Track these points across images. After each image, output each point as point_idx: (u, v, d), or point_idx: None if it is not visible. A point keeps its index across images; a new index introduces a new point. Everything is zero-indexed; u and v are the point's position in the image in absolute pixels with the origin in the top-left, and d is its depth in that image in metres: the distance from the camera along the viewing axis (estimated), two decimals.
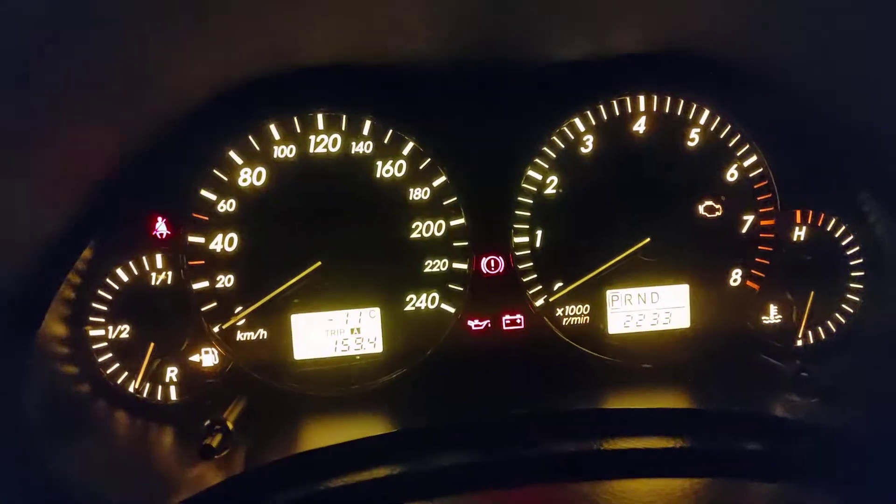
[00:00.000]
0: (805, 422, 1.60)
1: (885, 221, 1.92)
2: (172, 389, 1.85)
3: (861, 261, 1.95)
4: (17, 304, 1.54)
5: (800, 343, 1.96)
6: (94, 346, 1.81)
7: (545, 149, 1.88)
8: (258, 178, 1.81)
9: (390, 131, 1.83)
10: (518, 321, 1.95)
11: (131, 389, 1.83)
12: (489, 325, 1.94)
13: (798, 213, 1.94)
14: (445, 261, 1.90)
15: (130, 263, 1.82)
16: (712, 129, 1.88)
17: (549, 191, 1.90)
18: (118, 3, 1.19)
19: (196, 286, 1.81)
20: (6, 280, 1.50)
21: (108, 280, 1.81)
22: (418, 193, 1.87)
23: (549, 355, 1.94)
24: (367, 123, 1.83)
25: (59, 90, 1.33)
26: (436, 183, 1.87)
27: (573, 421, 1.68)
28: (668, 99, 1.87)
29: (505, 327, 1.95)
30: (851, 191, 1.95)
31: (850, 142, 1.86)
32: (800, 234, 1.95)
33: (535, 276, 1.92)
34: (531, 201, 1.90)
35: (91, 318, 1.80)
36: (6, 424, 1.48)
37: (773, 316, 1.97)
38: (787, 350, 1.94)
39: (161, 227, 1.82)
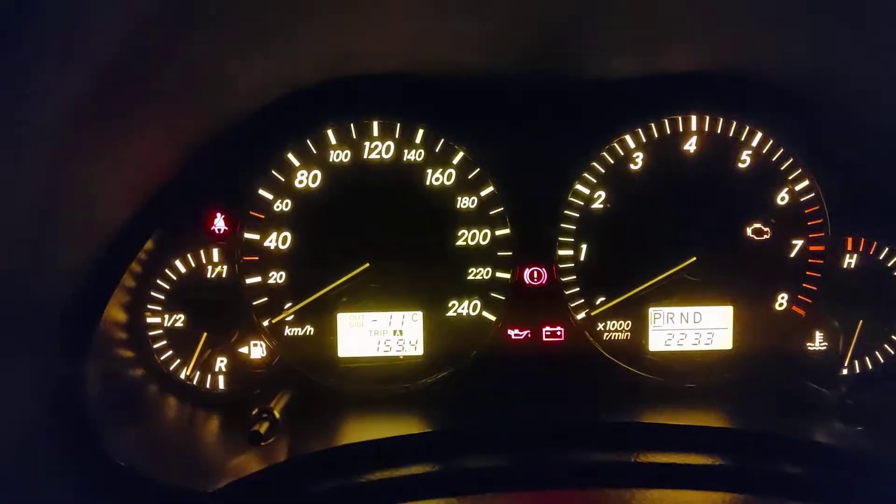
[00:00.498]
0: (847, 449, 1.58)
1: None
2: (221, 379, 1.93)
3: None
4: (83, 289, 1.63)
5: (845, 371, 1.93)
6: (151, 333, 1.89)
7: (594, 164, 1.90)
8: (313, 181, 1.88)
9: (442, 140, 1.88)
10: (558, 333, 1.97)
11: (182, 376, 1.91)
12: (529, 335, 1.97)
13: (849, 239, 1.92)
14: (489, 269, 1.93)
15: (188, 256, 1.90)
16: (764, 151, 1.87)
17: (597, 205, 1.92)
18: (190, 11, 1.26)
19: (249, 281, 1.88)
20: (76, 266, 1.59)
21: (166, 271, 1.89)
22: (466, 202, 1.91)
23: (588, 369, 1.95)
24: (420, 132, 1.88)
25: (137, 93, 1.40)
26: (483, 193, 1.90)
27: (608, 432, 1.69)
28: (721, 120, 1.86)
29: (545, 338, 1.97)
30: None
31: None
32: (850, 261, 1.92)
33: (577, 289, 1.94)
34: (577, 215, 1.92)
35: (149, 307, 1.89)
36: (70, 403, 1.56)
37: (818, 342, 1.94)
38: (831, 378, 1.91)
39: (219, 223, 1.90)
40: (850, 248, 1.92)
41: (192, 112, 1.67)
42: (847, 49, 1.55)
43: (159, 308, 1.90)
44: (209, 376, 1.93)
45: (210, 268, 1.91)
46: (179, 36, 1.32)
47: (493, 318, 1.94)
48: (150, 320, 1.89)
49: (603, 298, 1.93)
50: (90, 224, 1.61)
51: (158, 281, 1.89)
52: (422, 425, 1.76)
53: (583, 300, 1.94)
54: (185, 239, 1.90)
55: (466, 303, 1.94)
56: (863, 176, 1.87)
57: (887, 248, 1.91)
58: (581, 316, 1.94)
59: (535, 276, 1.95)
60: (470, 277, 1.93)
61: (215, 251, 1.91)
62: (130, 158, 1.61)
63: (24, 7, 1.01)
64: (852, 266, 1.92)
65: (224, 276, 1.91)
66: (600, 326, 1.95)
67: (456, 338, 1.94)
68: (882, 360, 1.93)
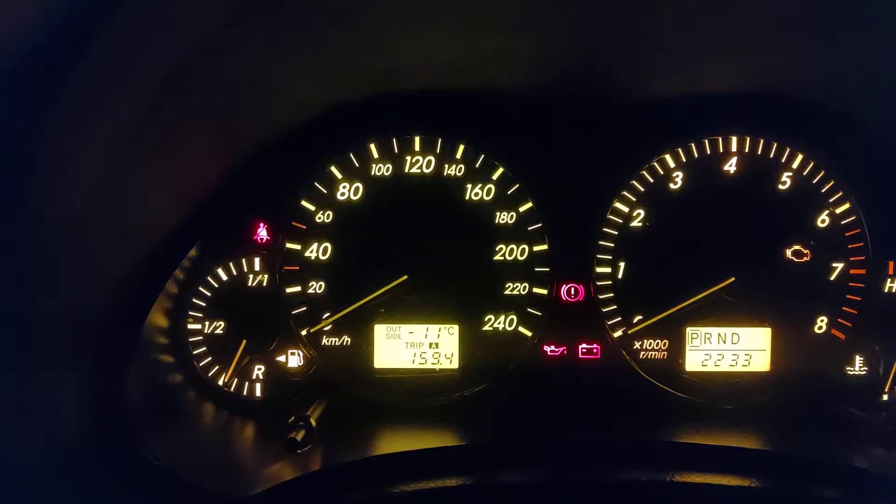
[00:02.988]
0: (886, 475, 1.55)
1: None
2: (258, 386, 1.95)
3: None
4: (128, 295, 1.66)
5: (886, 397, 1.90)
6: (191, 339, 1.92)
7: (633, 182, 1.91)
8: (355, 193, 1.91)
9: (482, 156, 1.90)
10: (594, 350, 1.96)
11: (220, 383, 1.94)
12: (565, 351, 1.97)
13: (891, 263, 1.90)
14: (526, 285, 1.94)
15: (230, 264, 1.94)
16: (805, 173, 1.87)
17: (635, 224, 1.92)
18: (240, 26, 1.29)
19: (289, 290, 1.91)
20: (121, 272, 1.62)
21: (208, 279, 1.93)
22: (504, 217, 1.93)
23: (624, 387, 1.95)
24: (461, 147, 1.90)
25: (188, 105, 1.44)
26: (522, 208, 1.92)
27: (643, 451, 1.68)
28: (761, 141, 1.87)
29: (581, 355, 1.96)
30: None
31: None
32: (892, 285, 1.90)
33: (614, 307, 1.94)
34: (616, 233, 1.92)
35: (190, 313, 1.92)
36: (112, 407, 1.59)
37: (858, 367, 1.92)
38: (871, 403, 1.88)
39: (262, 233, 1.94)
40: (891, 271, 1.90)
41: (240, 124, 1.71)
42: (884, 70, 1.55)
43: (200, 315, 1.93)
44: (247, 383, 1.95)
45: (251, 276, 1.94)
46: (230, 51, 1.36)
47: (529, 333, 1.94)
48: (191, 326, 1.93)
49: (640, 317, 1.92)
50: (137, 231, 1.65)
51: (200, 288, 1.93)
52: (456, 439, 1.77)
53: (620, 318, 1.94)
54: (228, 247, 1.93)
55: (503, 317, 1.95)
56: None
57: None
58: (618, 334, 1.94)
59: (573, 292, 1.95)
60: (507, 292, 1.94)
61: (257, 260, 1.94)
62: (179, 168, 1.65)
63: (93, 17, 1.04)
64: (894, 290, 1.90)
65: (264, 284, 1.94)
66: (637, 345, 1.95)
67: (492, 352, 1.94)
68: None
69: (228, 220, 1.92)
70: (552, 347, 1.97)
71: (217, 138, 1.69)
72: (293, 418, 1.65)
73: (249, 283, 1.94)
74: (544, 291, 1.93)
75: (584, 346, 1.96)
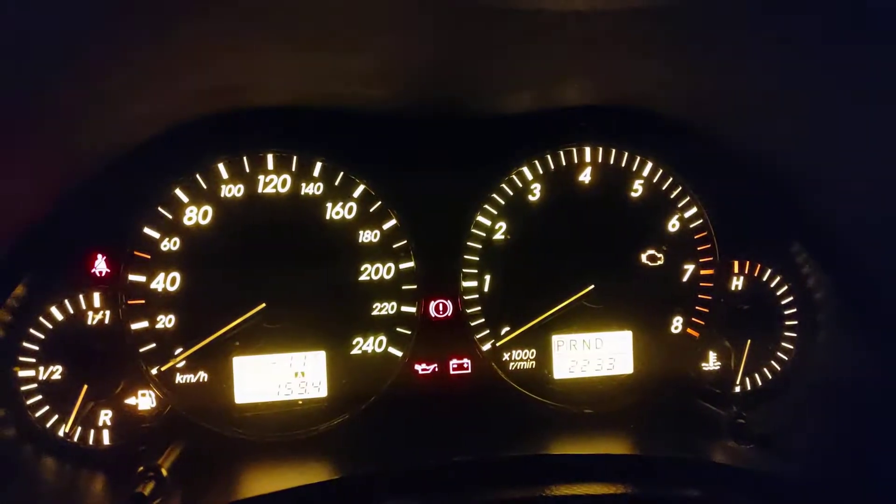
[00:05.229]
0: (740, 467, 1.63)
1: (817, 273, 2.01)
2: (105, 433, 1.78)
3: (795, 310, 2.02)
4: None
5: (738, 389, 2.01)
6: (23, 388, 1.73)
7: (494, 195, 1.91)
8: (204, 217, 1.78)
9: (341, 174, 1.84)
10: (465, 365, 1.95)
11: (61, 433, 1.76)
12: (436, 368, 1.94)
13: (736, 263, 2.01)
14: (394, 304, 1.89)
15: (66, 302, 1.76)
16: (655, 180, 1.95)
17: (498, 236, 1.92)
18: (70, 37, 1.17)
19: (135, 326, 1.76)
20: None
21: (41, 319, 1.74)
22: (368, 236, 1.87)
23: (496, 400, 1.94)
24: (318, 165, 1.83)
25: (7, 121, 1.29)
26: (386, 226, 1.87)
27: (517, 467, 1.67)
28: (613, 151, 1.92)
29: (452, 371, 1.94)
30: (786, 243, 2.03)
31: (786, 195, 1.94)
32: (738, 283, 2.02)
33: (482, 320, 1.94)
34: (480, 246, 1.92)
35: (20, 359, 1.73)
36: None
37: (712, 363, 2.02)
38: (725, 396, 1.99)
39: (100, 265, 1.77)
40: (736, 270, 2.02)
41: (66, 147, 1.56)
42: (728, 81, 1.63)
43: (33, 360, 1.74)
44: (92, 432, 1.77)
45: (91, 314, 1.77)
46: (58, 62, 1.22)
47: (399, 353, 1.90)
48: (22, 374, 1.73)
49: (507, 328, 1.93)
50: None
51: (31, 330, 1.74)
52: (328, 471, 1.68)
53: (488, 331, 1.94)
54: (63, 283, 1.76)
55: (372, 339, 1.89)
56: (746, 201, 1.96)
57: (770, 270, 2.02)
58: (487, 347, 1.94)
59: (441, 308, 1.92)
60: (375, 313, 1.88)
61: (96, 295, 1.77)
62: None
63: None
64: (740, 288, 2.02)
65: (107, 321, 1.77)
66: (506, 357, 1.95)
67: (361, 376, 1.88)
68: (770, 377, 2.03)
69: (60, 252, 1.75)
70: (423, 366, 1.93)
71: (39, 163, 1.52)
72: (141, 469, 1.51)
73: (89, 322, 1.77)
74: (413, 309, 1.89)
75: (455, 361, 1.94)
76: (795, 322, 2.03)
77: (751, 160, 1.92)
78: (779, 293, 2.02)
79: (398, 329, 1.90)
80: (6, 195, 1.51)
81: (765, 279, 2.02)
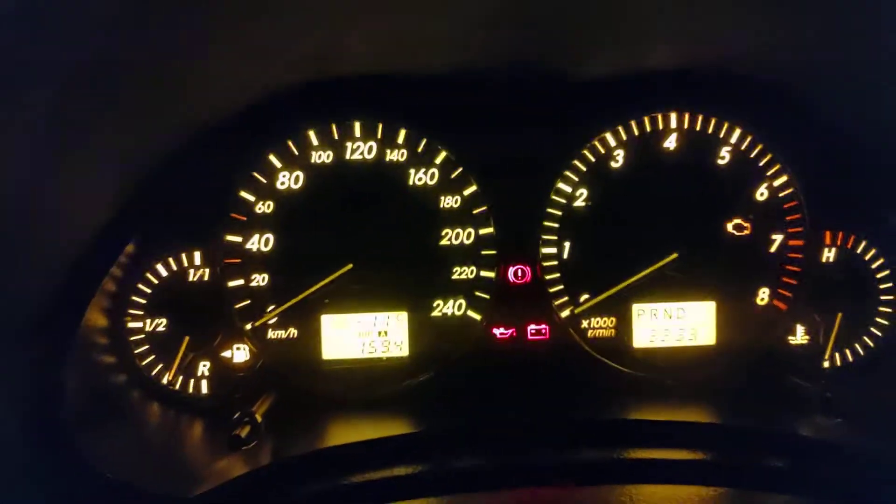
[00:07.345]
0: (827, 441, 1.59)
1: None
2: (204, 383, 1.91)
3: (891, 284, 1.93)
4: (62, 294, 1.61)
5: (826, 364, 1.95)
6: (132, 339, 1.87)
7: (576, 162, 1.91)
8: (296, 182, 1.87)
9: (424, 140, 1.88)
10: (543, 331, 1.97)
11: (165, 381, 1.89)
12: (514, 333, 1.97)
13: (828, 234, 1.94)
14: (473, 268, 1.93)
15: (170, 260, 1.88)
16: (743, 148, 1.89)
17: (579, 203, 1.92)
18: (171, 11, 1.25)
19: (231, 284, 1.87)
20: (54, 270, 1.57)
21: (147, 275, 1.87)
22: (449, 202, 1.91)
23: (573, 366, 1.96)
24: (402, 132, 1.88)
25: (108, 97, 1.39)
26: (466, 192, 1.91)
27: (593, 430, 1.69)
28: (700, 117, 1.88)
29: (530, 337, 1.97)
30: (882, 213, 1.94)
31: (882, 164, 1.85)
32: (829, 255, 1.94)
33: (561, 287, 1.95)
34: (560, 213, 1.92)
35: (130, 311, 1.87)
36: (48, 410, 1.54)
37: (799, 336, 1.96)
38: (813, 371, 1.93)
39: (200, 226, 1.88)
40: (828, 241, 1.94)
41: (169, 115, 1.66)
42: (823, 45, 1.57)
43: (141, 312, 1.87)
44: (192, 381, 1.90)
45: (192, 271, 1.89)
46: (148, 38, 1.31)
47: (478, 317, 1.94)
48: (131, 325, 1.87)
49: (587, 296, 1.93)
50: (68, 229, 1.59)
51: (139, 285, 1.87)
52: (407, 426, 1.75)
53: (567, 298, 1.95)
54: (167, 242, 1.88)
55: (451, 302, 1.93)
56: (839, 170, 1.89)
57: (864, 242, 1.93)
58: (565, 313, 1.95)
59: (520, 274, 1.95)
60: (454, 277, 1.93)
61: (197, 254, 1.89)
62: (107, 163, 1.59)
63: None
64: (831, 260, 1.94)
65: (206, 279, 1.89)
66: (585, 324, 1.96)
67: (441, 338, 1.93)
68: (862, 353, 1.95)
69: (165, 213, 1.85)
70: (501, 330, 1.97)
71: (145, 130, 1.63)
72: (238, 414, 1.61)
73: (190, 279, 1.89)
74: (491, 274, 1.93)
75: (533, 327, 1.97)
76: (891, 297, 1.93)
77: (846, 128, 1.84)
78: (874, 266, 1.93)
79: (477, 293, 1.93)
80: (118, 161, 1.63)
81: (859, 251, 1.94)
